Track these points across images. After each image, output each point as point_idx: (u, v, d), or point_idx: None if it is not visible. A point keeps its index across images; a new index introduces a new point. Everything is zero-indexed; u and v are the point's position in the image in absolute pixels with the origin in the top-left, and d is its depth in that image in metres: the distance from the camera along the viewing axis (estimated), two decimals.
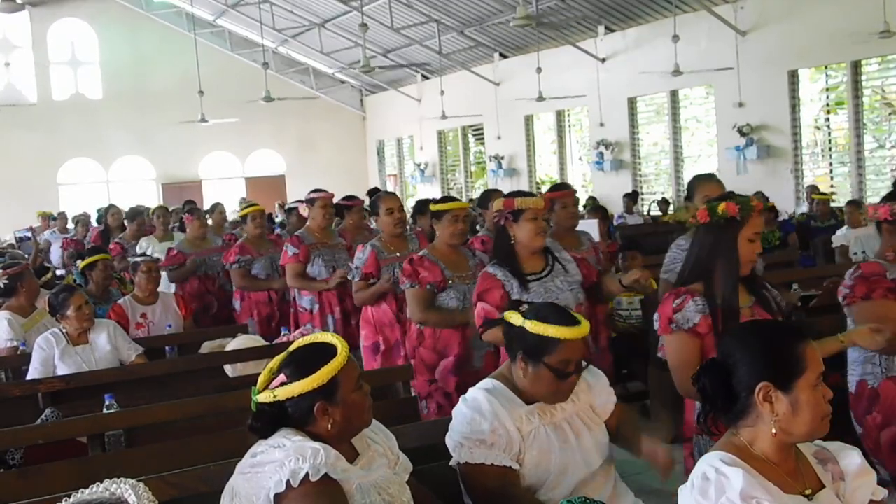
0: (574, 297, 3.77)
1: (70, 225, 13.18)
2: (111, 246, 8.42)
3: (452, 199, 4.57)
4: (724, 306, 2.84)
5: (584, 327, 2.60)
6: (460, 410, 2.62)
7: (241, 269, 6.33)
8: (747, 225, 2.90)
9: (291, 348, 2.26)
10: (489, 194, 5.58)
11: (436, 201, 4.60)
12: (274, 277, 6.34)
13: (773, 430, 1.90)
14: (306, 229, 5.90)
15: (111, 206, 9.94)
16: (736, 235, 2.88)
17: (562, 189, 5.13)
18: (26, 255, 9.68)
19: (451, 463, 2.63)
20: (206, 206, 12.24)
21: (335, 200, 6.24)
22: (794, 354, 1.92)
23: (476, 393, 2.64)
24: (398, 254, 4.91)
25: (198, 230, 7.12)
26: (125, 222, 8.84)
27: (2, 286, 5.23)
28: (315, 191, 6.00)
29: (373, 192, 5.53)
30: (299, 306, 5.77)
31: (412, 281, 4.23)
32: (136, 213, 8.85)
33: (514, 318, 2.65)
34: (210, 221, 9.16)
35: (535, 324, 2.57)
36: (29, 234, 13.43)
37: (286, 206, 8.19)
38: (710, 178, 4.44)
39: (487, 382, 2.69)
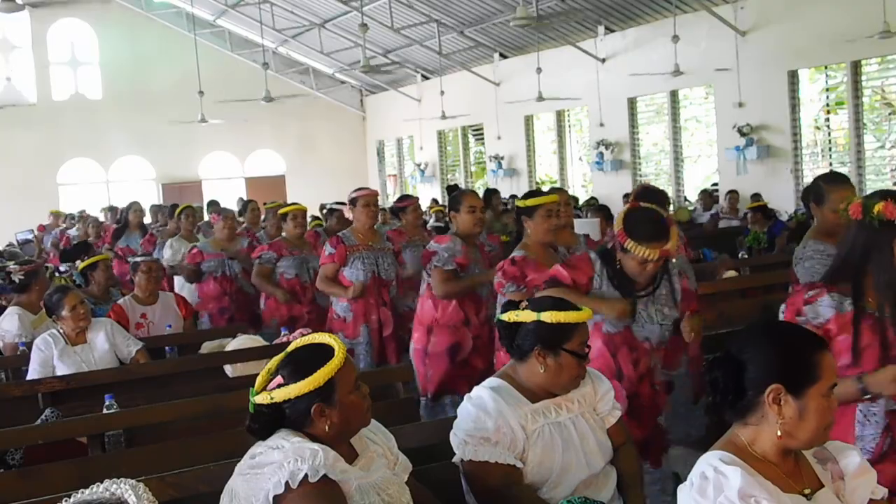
0: (661, 334, 3.41)
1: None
2: (146, 238, 8.50)
3: (541, 192, 4.30)
4: (885, 317, 2.56)
5: (588, 310, 2.73)
6: (465, 408, 2.63)
7: (260, 266, 6.23)
8: None
9: (289, 349, 2.26)
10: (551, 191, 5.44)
11: (524, 196, 4.30)
12: (305, 279, 6.19)
13: (778, 433, 1.90)
14: (350, 230, 5.64)
15: (134, 203, 9.87)
16: (891, 240, 2.59)
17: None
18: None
19: (455, 460, 2.64)
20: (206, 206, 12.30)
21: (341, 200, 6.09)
22: (812, 361, 1.91)
23: (481, 391, 2.65)
24: (472, 255, 4.72)
25: (223, 232, 6.95)
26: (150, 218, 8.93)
27: (16, 282, 5.33)
28: (357, 190, 5.73)
29: (452, 189, 5.28)
30: (334, 312, 5.52)
31: (518, 284, 3.95)
32: (170, 211, 8.91)
33: (525, 315, 2.67)
34: (243, 220, 9.17)
35: (552, 314, 2.62)
36: (31, 235, 13.41)
37: (326, 208, 8.13)
38: (842, 181, 3.85)
39: (493, 381, 2.71)
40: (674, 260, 3.53)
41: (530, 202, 4.17)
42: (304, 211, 6.60)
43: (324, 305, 6.00)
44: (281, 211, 6.77)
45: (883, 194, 2.68)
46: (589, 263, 3.38)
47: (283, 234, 6.58)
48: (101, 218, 13.03)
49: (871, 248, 2.61)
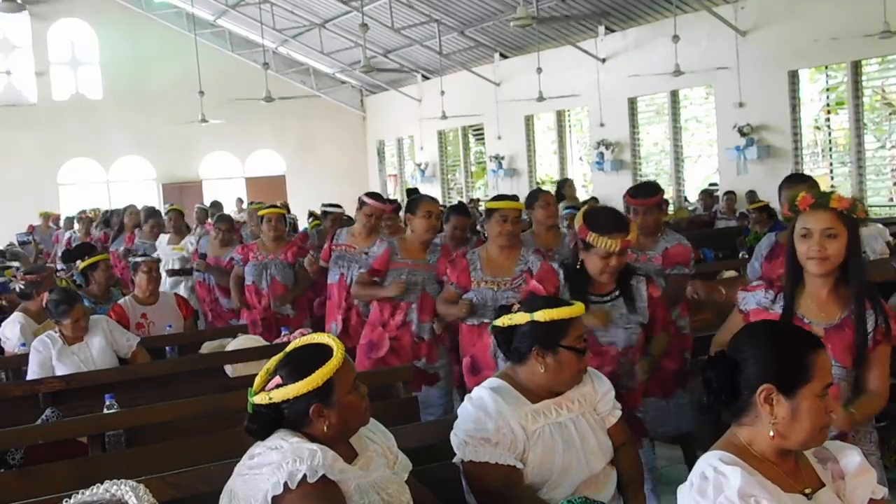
0: (626, 338, 3.36)
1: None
2: (125, 241, 8.45)
3: (506, 197, 4.39)
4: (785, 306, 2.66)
5: (581, 304, 2.75)
6: (465, 409, 2.64)
7: (235, 269, 6.26)
8: (797, 220, 2.66)
9: (287, 350, 2.26)
10: (536, 194, 5.41)
11: (491, 198, 4.45)
12: (262, 286, 6.08)
13: (771, 433, 1.90)
14: (347, 230, 5.77)
15: (130, 205, 9.83)
16: (792, 233, 2.67)
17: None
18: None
19: (455, 461, 2.64)
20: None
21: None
22: (804, 361, 1.90)
23: (481, 392, 2.65)
24: (411, 260, 4.74)
25: (214, 239, 6.98)
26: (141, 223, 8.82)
27: (18, 290, 5.34)
28: (370, 195, 5.70)
29: (412, 192, 5.32)
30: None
31: (442, 277, 4.33)
32: (153, 213, 8.79)
33: (519, 317, 2.67)
34: (244, 217, 9.07)
35: (545, 312, 2.63)
36: (29, 237, 13.41)
37: (322, 209, 8.08)
38: (798, 181, 3.95)
39: (493, 381, 2.71)
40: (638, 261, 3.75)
41: (490, 205, 4.28)
42: (281, 214, 6.46)
43: (280, 313, 6.02)
44: (259, 213, 6.72)
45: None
46: (554, 274, 3.46)
47: (261, 236, 6.50)
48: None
49: (789, 244, 2.70)
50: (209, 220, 10.90)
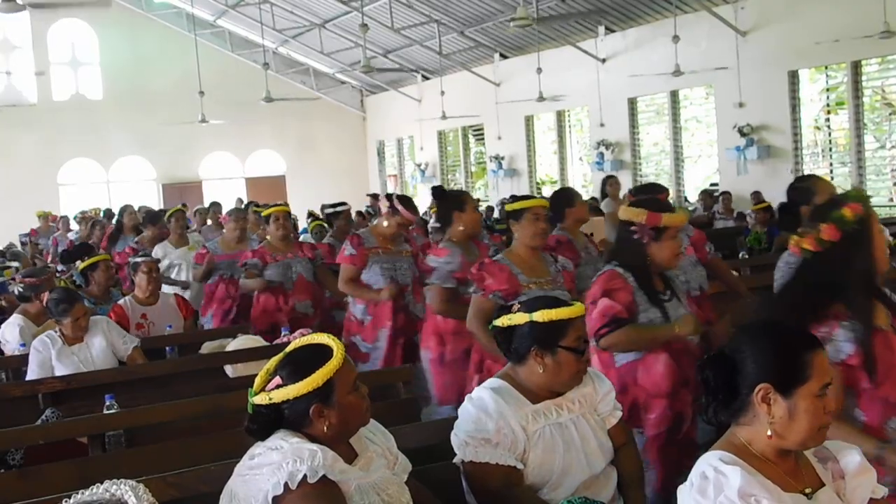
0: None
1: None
2: (126, 249, 8.29)
3: (531, 196, 4.23)
4: (865, 324, 2.42)
5: (581, 305, 2.74)
6: (466, 409, 2.63)
7: (247, 272, 6.00)
8: (871, 219, 2.51)
9: (288, 350, 2.25)
10: (568, 193, 5.27)
11: (513, 199, 4.22)
12: (289, 286, 5.91)
13: (769, 433, 1.90)
14: (372, 230, 5.43)
15: (127, 206, 9.72)
16: (871, 238, 2.50)
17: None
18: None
19: (455, 461, 2.64)
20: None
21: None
22: (801, 361, 1.90)
23: (482, 392, 2.65)
24: (471, 259, 4.49)
25: (233, 233, 6.75)
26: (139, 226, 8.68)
27: (17, 293, 5.37)
28: (402, 201, 5.35)
29: (437, 189, 5.04)
30: (351, 314, 5.36)
31: (478, 287, 3.92)
32: (155, 217, 8.56)
33: (518, 317, 2.67)
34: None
35: (543, 313, 2.62)
36: (27, 238, 13.44)
37: (328, 210, 7.96)
38: (819, 178, 3.93)
39: (493, 382, 2.70)
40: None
41: (517, 205, 4.07)
42: (287, 212, 6.27)
43: (305, 314, 5.84)
44: (264, 213, 6.52)
45: (832, 203, 2.57)
46: (621, 279, 3.25)
47: (268, 237, 6.30)
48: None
49: (855, 255, 2.51)
50: (209, 220, 10.92)
